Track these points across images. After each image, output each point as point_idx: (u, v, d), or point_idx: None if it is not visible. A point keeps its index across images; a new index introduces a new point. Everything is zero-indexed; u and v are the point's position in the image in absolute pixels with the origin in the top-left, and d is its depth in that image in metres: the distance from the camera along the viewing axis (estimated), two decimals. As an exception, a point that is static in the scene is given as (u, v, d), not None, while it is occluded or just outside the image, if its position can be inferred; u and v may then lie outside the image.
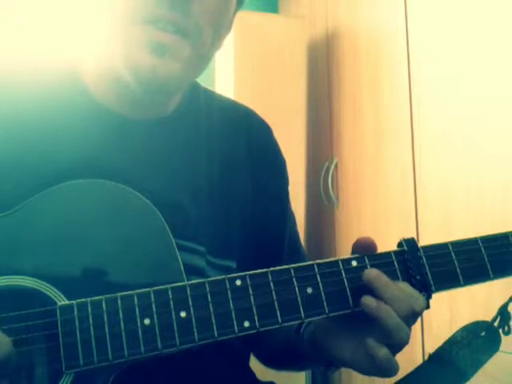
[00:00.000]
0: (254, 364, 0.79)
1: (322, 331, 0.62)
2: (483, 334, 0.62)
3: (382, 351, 0.54)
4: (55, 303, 0.52)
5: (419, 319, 0.58)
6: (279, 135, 0.83)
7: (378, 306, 0.55)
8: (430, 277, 0.59)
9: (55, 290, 0.53)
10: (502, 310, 0.62)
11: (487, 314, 0.63)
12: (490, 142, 1.50)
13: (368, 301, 0.55)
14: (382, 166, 1.97)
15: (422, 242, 0.60)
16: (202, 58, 0.65)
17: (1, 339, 0.48)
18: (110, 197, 0.57)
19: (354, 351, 0.58)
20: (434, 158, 1.70)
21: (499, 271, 0.61)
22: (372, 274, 0.56)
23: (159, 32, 0.60)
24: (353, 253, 0.60)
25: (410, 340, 0.56)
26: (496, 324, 0.62)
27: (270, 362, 0.80)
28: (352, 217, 2.15)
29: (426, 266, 0.59)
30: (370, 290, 0.56)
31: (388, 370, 0.55)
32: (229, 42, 2.21)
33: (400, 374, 0.62)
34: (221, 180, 0.72)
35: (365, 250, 0.59)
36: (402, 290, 0.56)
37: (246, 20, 2.24)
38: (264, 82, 2.24)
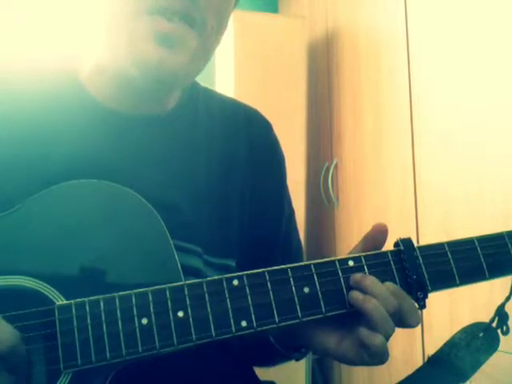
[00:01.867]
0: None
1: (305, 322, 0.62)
2: (481, 334, 0.62)
3: (379, 338, 0.55)
4: (53, 303, 0.52)
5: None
6: (279, 135, 0.84)
7: (365, 298, 0.55)
8: (426, 276, 0.59)
9: (54, 290, 0.53)
10: (500, 311, 0.62)
11: (488, 315, 0.63)
12: (490, 142, 1.50)
13: (355, 294, 0.56)
14: (382, 166, 1.97)
15: (421, 242, 0.61)
16: (206, 51, 0.65)
17: (8, 331, 0.48)
18: (108, 197, 0.57)
19: (339, 342, 0.58)
20: (434, 157, 1.70)
21: (495, 271, 0.61)
22: (356, 276, 0.57)
23: (166, 23, 0.59)
24: (365, 239, 0.61)
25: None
26: (494, 324, 0.62)
27: None
28: (352, 217, 2.15)
29: (423, 266, 0.59)
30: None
31: (383, 355, 0.55)
32: (229, 42, 2.21)
33: (400, 376, 0.62)
34: (219, 178, 0.72)
35: (380, 236, 0.60)
36: (389, 288, 0.57)
37: (246, 20, 2.24)
38: (264, 81, 2.24)
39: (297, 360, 0.70)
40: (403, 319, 0.57)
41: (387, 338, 0.56)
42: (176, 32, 0.60)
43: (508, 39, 1.45)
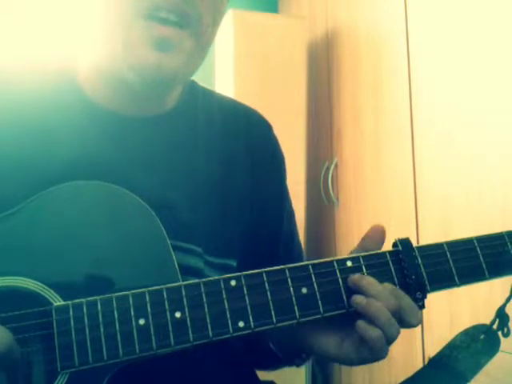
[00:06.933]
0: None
1: (304, 326, 0.61)
2: (482, 336, 0.61)
3: (376, 332, 0.55)
4: (51, 304, 0.52)
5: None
6: (279, 135, 0.83)
7: (368, 302, 0.55)
8: (425, 277, 0.58)
9: (51, 291, 0.53)
10: (500, 312, 0.62)
11: (487, 315, 0.63)
12: (489, 143, 1.50)
13: (358, 299, 0.56)
14: (382, 166, 1.96)
15: (421, 242, 0.60)
16: (202, 47, 0.65)
17: (2, 332, 0.48)
18: (106, 199, 0.57)
19: (341, 345, 0.58)
20: (434, 158, 1.70)
21: (495, 271, 0.61)
22: (355, 276, 0.57)
23: (161, 26, 0.60)
24: (363, 240, 0.61)
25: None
26: (495, 326, 0.62)
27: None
28: (352, 217, 2.15)
29: (421, 266, 0.59)
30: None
31: (380, 350, 0.55)
32: (229, 42, 2.21)
33: (401, 376, 0.62)
34: (218, 178, 0.72)
35: (378, 237, 0.61)
36: (387, 288, 0.57)
37: (246, 20, 2.25)
38: (264, 81, 2.24)
39: (298, 366, 0.70)
40: (403, 319, 0.57)
41: (393, 339, 0.55)
42: (171, 35, 0.60)
43: (508, 39, 1.45)
